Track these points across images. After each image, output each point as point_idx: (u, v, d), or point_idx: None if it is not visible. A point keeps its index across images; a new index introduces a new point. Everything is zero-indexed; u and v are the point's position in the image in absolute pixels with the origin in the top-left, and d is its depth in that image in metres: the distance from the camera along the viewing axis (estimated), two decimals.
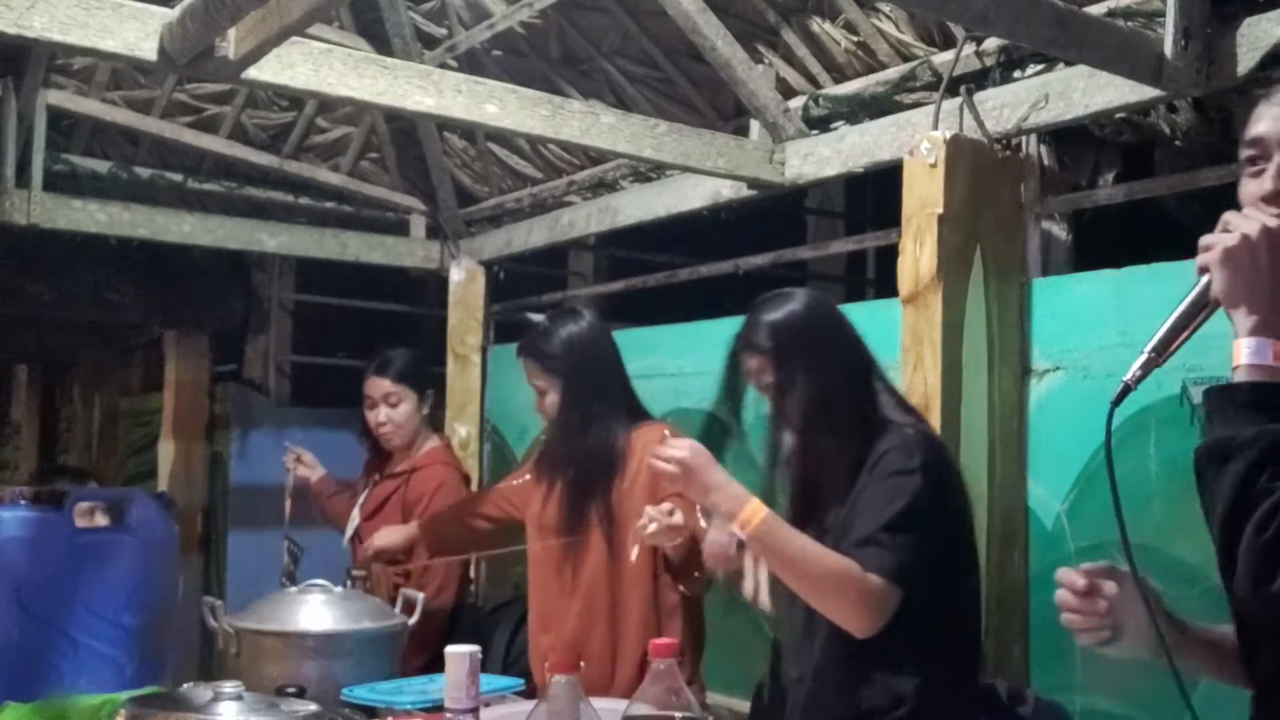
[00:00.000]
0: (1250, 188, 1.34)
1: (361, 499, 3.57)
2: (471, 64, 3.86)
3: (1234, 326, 1.24)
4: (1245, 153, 1.35)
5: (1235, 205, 1.44)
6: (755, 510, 1.88)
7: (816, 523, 2.03)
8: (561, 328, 2.77)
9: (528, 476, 2.98)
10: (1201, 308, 1.30)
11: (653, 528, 2.24)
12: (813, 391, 2.02)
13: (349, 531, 3.55)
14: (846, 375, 2.05)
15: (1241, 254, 1.24)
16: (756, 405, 2.17)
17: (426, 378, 3.61)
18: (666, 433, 2.64)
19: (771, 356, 2.05)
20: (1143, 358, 1.28)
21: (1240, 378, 1.21)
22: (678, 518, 2.26)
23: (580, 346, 2.76)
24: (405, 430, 3.50)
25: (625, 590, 2.65)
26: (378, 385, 3.48)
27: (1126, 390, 1.29)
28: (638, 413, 2.80)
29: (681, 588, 2.62)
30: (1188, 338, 1.30)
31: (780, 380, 2.04)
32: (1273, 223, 1.25)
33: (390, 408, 3.47)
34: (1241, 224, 1.25)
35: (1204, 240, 1.28)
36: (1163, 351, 1.29)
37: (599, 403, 2.75)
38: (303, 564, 3.52)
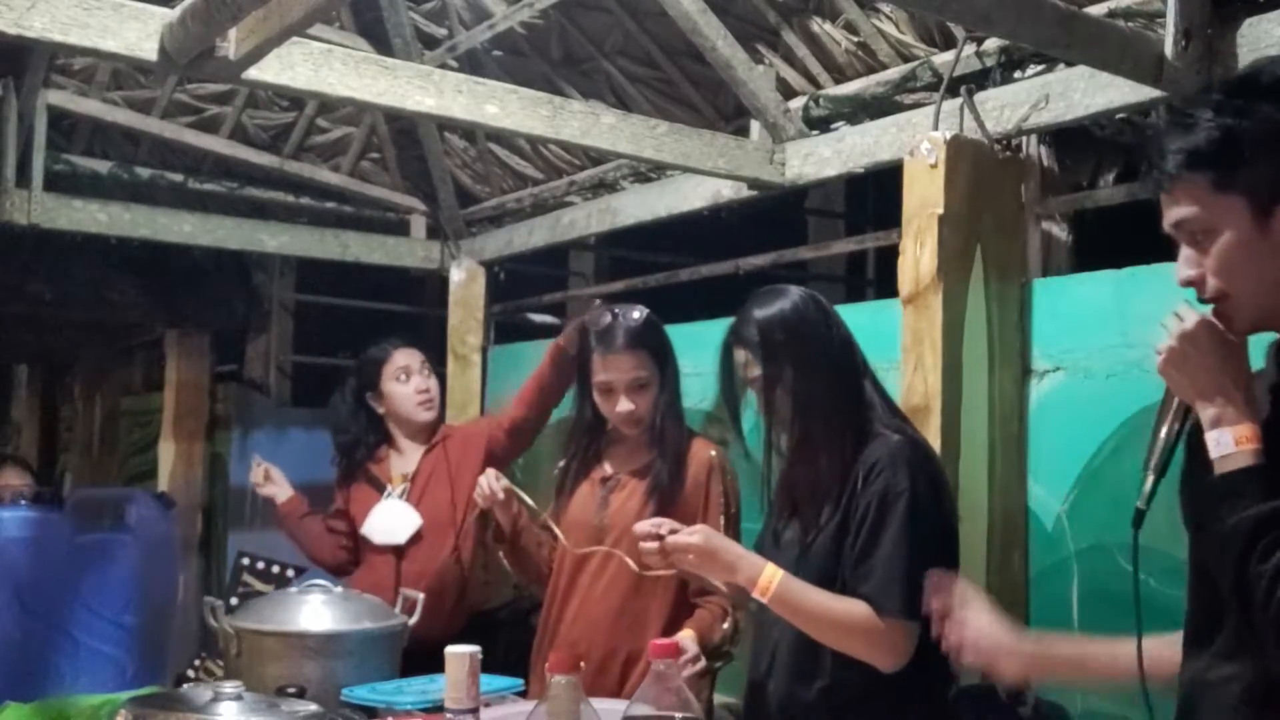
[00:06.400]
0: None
1: (398, 492, 3.32)
2: (472, 64, 3.87)
3: (1202, 420, 1.32)
4: (1172, 232, 1.40)
5: None
6: (771, 576, 1.97)
7: (808, 518, 2.05)
8: (639, 314, 2.59)
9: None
10: (1180, 411, 1.36)
11: (651, 546, 2.11)
12: (797, 388, 2.03)
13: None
14: (833, 374, 2.06)
15: (1180, 355, 1.33)
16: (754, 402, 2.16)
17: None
18: (713, 453, 2.61)
19: (758, 351, 2.06)
20: (1149, 481, 1.34)
21: (1217, 470, 1.30)
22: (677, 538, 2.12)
23: (664, 335, 2.65)
24: (437, 403, 3.45)
25: (650, 597, 2.59)
26: (412, 354, 3.41)
27: (1141, 515, 1.36)
28: None
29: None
30: (1179, 438, 1.36)
31: (766, 376, 2.06)
32: (1199, 319, 1.34)
33: (427, 378, 3.41)
34: (1176, 326, 1.34)
35: (1158, 347, 1.36)
36: (1162, 470, 1.35)
37: (679, 396, 2.67)
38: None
